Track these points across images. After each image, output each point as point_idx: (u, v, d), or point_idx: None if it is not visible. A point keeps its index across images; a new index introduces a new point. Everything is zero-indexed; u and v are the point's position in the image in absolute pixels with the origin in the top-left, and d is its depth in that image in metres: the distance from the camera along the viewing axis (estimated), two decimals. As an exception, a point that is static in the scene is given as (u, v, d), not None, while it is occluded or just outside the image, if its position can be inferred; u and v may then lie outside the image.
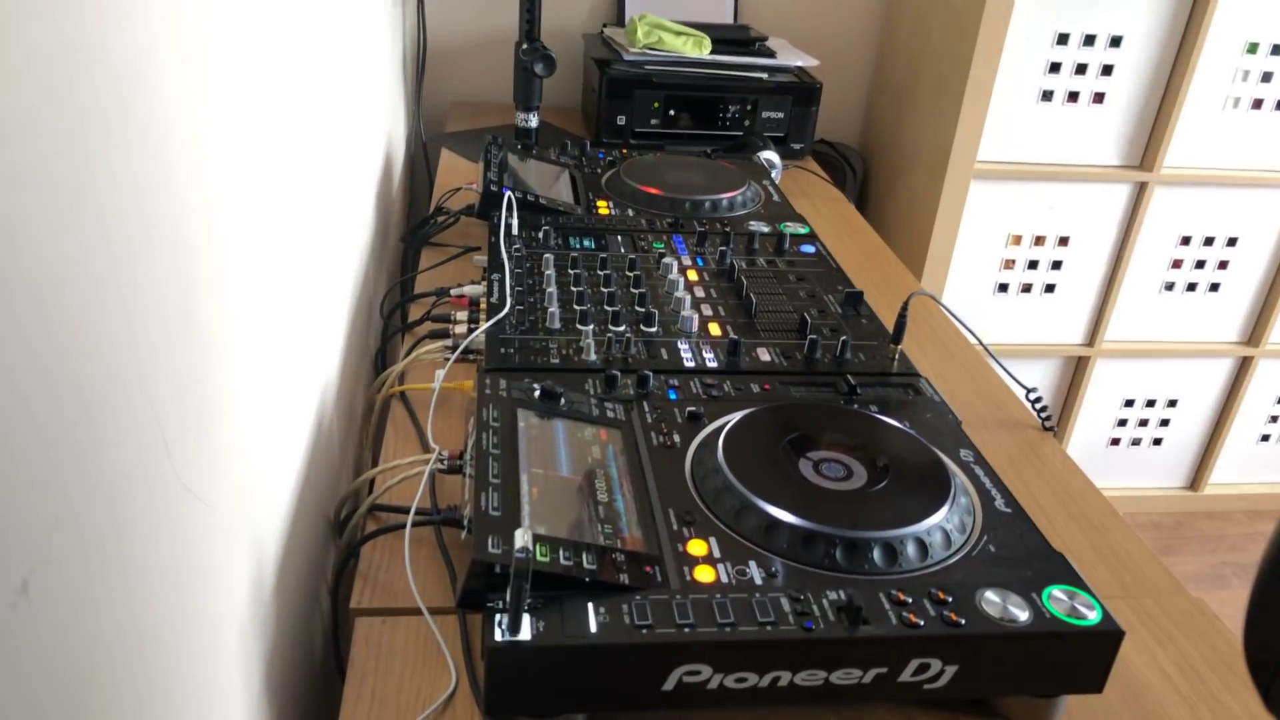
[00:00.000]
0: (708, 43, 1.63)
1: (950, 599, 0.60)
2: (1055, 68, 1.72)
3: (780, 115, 1.64)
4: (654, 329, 0.93)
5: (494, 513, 0.61)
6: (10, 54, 0.30)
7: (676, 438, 0.75)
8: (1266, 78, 1.77)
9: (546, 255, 1.04)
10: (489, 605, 0.56)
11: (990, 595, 0.60)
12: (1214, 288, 1.96)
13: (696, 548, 0.63)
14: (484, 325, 0.91)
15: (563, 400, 0.75)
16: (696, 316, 0.95)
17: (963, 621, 0.58)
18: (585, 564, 0.59)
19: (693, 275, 1.05)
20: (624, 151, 1.42)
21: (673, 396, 0.81)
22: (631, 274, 1.03)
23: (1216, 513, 2.23)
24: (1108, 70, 1.73)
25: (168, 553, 0.43)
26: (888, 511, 0.66)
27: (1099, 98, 1.75)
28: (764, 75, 1.64)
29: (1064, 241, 1.87)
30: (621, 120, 1.60)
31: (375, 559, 0.72)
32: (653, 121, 1.62)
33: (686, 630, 0.56)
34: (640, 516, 0.65)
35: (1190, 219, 1.88)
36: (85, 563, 0.35)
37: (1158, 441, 2.13)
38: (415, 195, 1.81)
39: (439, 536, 0.74)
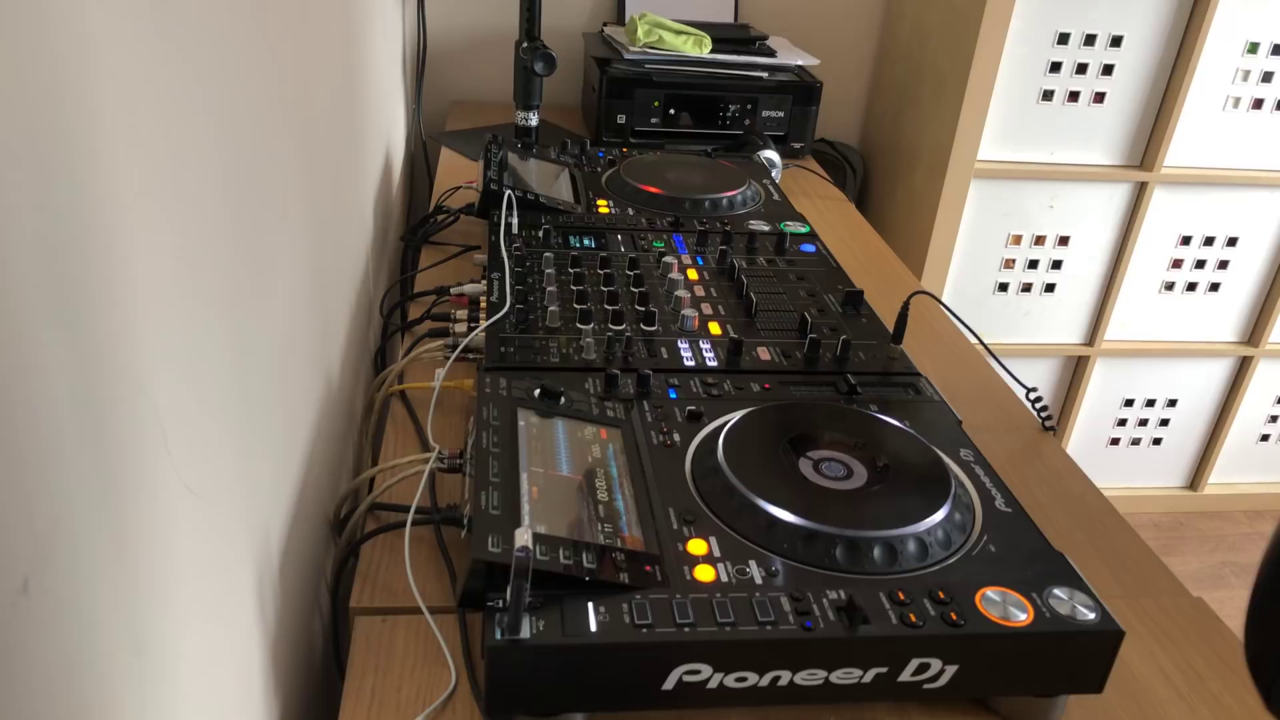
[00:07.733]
0: (708, 42, 1.63)
1: (950, 599, 0.60)
2: (1055, 67, 1.72)
3: (780, 114, 1.64)
4: (654, 328, 0.93)
5: (494, 511, 0.61)
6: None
7: (676, 437, 0.75)
8: (1266, 78, 1.77)
9: (546, 254, 1.04)
10: (489, 604, 0.56)
11: (990, 595, 0.61)
12: (1214, 288, 1.96)
13: (696, 547, 0.63)
14: (484, 324, 0.91)
15: (563, 399, 0.75)
16: (696, 315, 0.95)
17: (963, 621, 0.58)
18: (585, 563, 0.59)
19: (693, 274, 1.05)
20: (624, 150, 1.42)
21: (673, 396, 0.81)
22: (631, 273, 1.02)
23: (1216, 512, 2.23)
24: (1108, 70, 1.73)
25: (168, 551, 0.43)
26: (888, 511, 0.66)
27: (1099, 97, 1.75)
28: (764, 74, 1.64)
29: (1064, 241, 1.87)
30: (621, 119, 1.60)
31: (375, 558, 0.72)
32: (653, 120, 1.62)
33: (686, 630, 0.56)
34: (640, 516, 0.65)
35: (1190, 219, 1.88)
36: (85, 562, 0.35)
37: (1157, 441, 2.13)
38: (415, 194, 1.81)
39: (439, 535, 0.74)
